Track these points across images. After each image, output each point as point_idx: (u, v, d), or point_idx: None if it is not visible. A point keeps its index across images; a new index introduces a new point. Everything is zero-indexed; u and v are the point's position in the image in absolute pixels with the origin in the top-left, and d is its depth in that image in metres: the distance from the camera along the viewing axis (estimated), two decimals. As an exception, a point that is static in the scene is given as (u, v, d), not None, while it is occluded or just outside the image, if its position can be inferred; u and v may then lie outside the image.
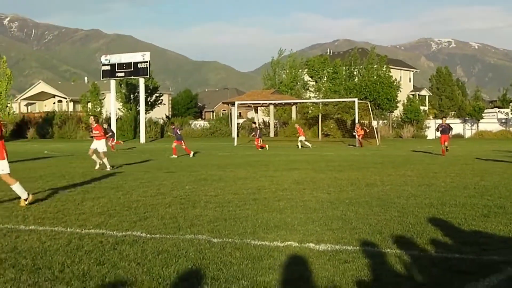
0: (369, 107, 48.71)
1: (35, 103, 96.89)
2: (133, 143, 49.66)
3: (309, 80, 72.19)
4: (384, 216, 9.21)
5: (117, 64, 56.15)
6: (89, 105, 68.72)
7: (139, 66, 55.34)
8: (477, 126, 64.13)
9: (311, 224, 8.56)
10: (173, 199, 11.44)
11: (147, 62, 55.24)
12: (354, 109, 46.43)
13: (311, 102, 62.33)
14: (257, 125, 38.22)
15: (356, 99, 47.32)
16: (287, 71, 74.93)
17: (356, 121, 43.49)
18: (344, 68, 69.01)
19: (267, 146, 36.10)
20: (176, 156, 26.49)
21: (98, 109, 65.68)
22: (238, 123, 59.04)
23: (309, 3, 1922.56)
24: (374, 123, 52.88)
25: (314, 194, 12.04)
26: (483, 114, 64.85)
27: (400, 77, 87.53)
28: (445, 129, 26.97)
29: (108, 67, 56.71)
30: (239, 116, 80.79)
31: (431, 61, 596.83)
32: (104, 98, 71.26)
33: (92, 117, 20.94)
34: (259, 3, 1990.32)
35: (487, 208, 9.95)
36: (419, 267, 6.07)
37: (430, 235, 7.64)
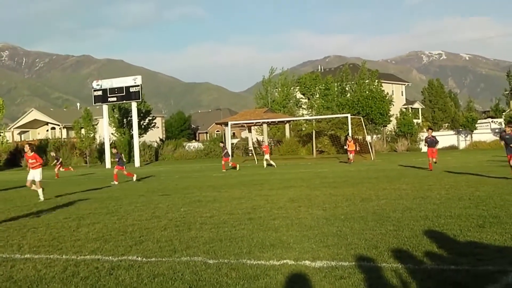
0: (362, 122, 48.85)
1: (28, 131, 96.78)
2: (130, 167, 49.39)
3: (302, 98, 72.46)
4: (379, 230, 9.23)
5: (109, 89, 56.08)
6: (83, 131, 68.59)
7: (131, 90, 55.26)
8: (471, 137, 64.27)
9: (307, 241, 8.57)
10: (168, 222, 11.43)
11: (138, 85, 55.19)
12: (348, 125, 46.57)
13: (304, 120, 62.43)
14: (225, 144, 38.03)
15: (349, 115, 47.50)
16: (279, 89, 75.09)
17: (349, 134, 43.32)
18: (336, 84, 69.34)
19: (238, 165, 35.65)
20: (117, 183, 25.55)
21: (92, 135, 65.51)
22: (232, 143, 58.96)
23: (299, 20, 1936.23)
24: (368, 138, 53.00)
25: (310, 211, 12.06)
26: (476, 125, 65.07)
27: (392, 91, 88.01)
28: (432, 142, 26.49)
29: (100, 92, 56.64)
30: (233, 136, 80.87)
31: (423, 74, 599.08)
32: (97, 123, 71.18)
33: (27, 145, 19.94)
34: (248, 23, 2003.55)
35: (482, 218, 9.99)
36: (415, 281, 6.08)
37: (426, 248, 7.66)
